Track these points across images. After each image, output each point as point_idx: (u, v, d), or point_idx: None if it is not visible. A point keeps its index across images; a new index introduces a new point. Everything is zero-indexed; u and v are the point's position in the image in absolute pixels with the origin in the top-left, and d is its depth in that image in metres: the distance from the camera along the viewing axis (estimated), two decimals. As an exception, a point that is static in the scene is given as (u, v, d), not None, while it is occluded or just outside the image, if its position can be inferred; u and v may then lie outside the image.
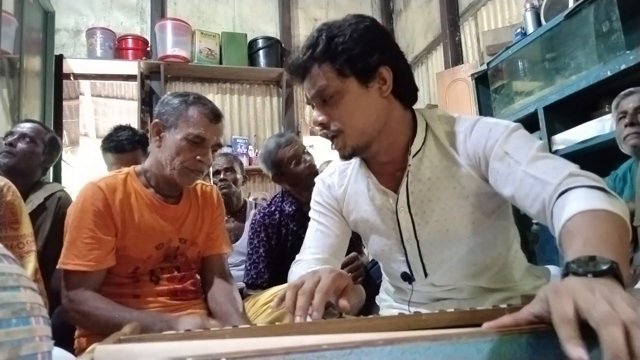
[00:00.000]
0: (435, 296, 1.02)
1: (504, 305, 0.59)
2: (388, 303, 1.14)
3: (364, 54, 0.87)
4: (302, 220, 1.83)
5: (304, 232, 1.87)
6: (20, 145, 1.77)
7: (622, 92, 1.77)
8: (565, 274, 0.49)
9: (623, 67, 1.81)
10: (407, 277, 1.02)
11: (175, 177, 1.27)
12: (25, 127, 1.82)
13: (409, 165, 0.93)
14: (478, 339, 0.42)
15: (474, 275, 0.98)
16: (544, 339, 0.42)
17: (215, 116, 1.28)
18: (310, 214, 1.12)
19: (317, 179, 1.13)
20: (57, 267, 1.19)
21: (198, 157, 1.25)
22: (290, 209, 1.83)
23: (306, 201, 1.83)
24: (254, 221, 1.86)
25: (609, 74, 1.88)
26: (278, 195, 1.90)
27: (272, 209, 1.85)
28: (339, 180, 1.07)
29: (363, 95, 0.89)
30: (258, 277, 1.80)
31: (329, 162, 3.13)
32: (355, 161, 1.03)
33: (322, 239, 1.06)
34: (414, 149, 0.93)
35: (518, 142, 0.84)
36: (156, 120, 1.30)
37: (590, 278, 0.46)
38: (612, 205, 0.63)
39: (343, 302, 0.74)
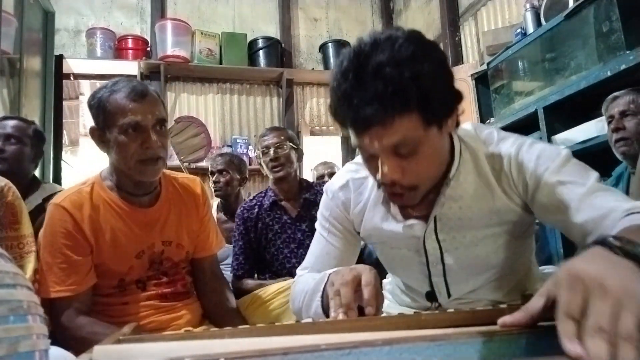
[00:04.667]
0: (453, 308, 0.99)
1: (503, 305, 0.59)
2: (392, 304, 1.11)
3: (451, 97, 0.74)
4: (276, 213, 1.91)
5: (279, 227, 1.90)
6: (9, 148, 1.72)
7: (609, 97, 1.78)
8: (597, 242, 0.48)
9: (623, 67, 1.81)
10: (432, 297, 0.97)
11: (134, 175, 1.20)
12: (7, 126, 1.76)
13: (441, 195, 0.85)
14: (477, 339, 0.42)
15: (495, 291, 0.96)
16: (543, 339, 0.42)
17: (137, 94, 1.15)
18: (318, 226, 1.04)
19: (327, 190, 1.01)
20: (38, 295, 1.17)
21: (145, 145, 1.15)
22: (267, 202, 1.91)
23: (285, 196, 1.91)
24: (236, 215, 1.96)
25: (609, 74, 1.88)
26: (262, 191, 1.99)
27: (253, 203, 1.94)
28: (354, 198, 0.97)
29: (440, 140, 0.76)
30: (239, 268, 1.89)
31: (326, 163, 3.10)
32: (374, 182, 0.91)
33: (330, 262, 0.97)
34: (451, 174, 0.84)
35: (572, 170, 0.79)
36: (90, 126, 1.21)
37: (619, 257, 0.45)
38: None
39: (371, 310, 0.68)
